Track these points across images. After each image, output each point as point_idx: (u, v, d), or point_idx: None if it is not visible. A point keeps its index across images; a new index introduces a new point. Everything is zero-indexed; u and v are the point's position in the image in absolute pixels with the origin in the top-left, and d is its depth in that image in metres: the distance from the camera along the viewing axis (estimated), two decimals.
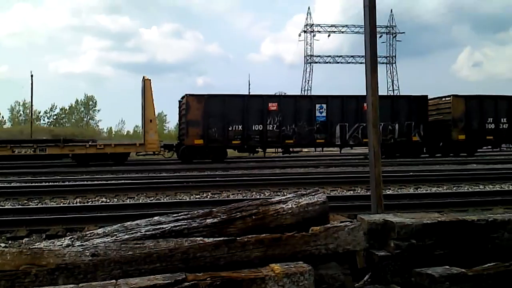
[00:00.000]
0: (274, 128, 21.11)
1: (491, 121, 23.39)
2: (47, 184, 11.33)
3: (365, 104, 4.82)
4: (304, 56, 60.87)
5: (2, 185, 11.11)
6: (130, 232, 3.02)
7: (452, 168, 15.59)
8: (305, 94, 51.34)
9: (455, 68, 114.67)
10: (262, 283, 2.21)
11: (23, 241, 5.62)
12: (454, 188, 10.01)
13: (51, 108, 60.84)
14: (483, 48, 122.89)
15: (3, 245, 5.48)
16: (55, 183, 11.43)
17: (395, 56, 61.78)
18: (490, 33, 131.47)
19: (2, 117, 59.46)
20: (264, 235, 2.70)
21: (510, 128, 23.65)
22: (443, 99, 23.90)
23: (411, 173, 12.86)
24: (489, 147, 26.80)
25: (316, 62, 61.01)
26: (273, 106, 21.21)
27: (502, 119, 23.56)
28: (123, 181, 11.57)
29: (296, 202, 3.24)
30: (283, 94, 28.10)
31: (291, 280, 2.25)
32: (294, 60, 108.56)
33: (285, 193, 7.67)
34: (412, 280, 2.53)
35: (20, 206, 7.92)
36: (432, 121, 23.46)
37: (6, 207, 7.87)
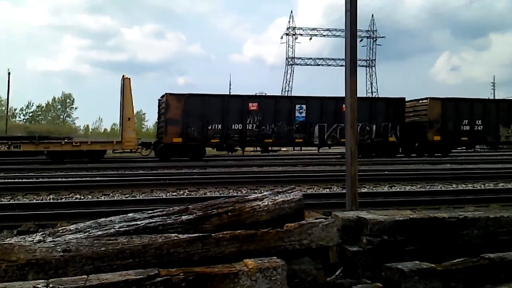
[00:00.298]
0: (254, 127, 21.15)
1: (466, 123, 23.90)
2: (20, 180, 11.12)
3: (343, 106, 4.90)
4: (286, 58, 61.23)
5: None
6: (103, 229, 2.99)
7: (427, 167, 15.87)
8: (286, 95, 51.53)
9: (433, 72, 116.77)
10: (235, 278, 2.22)
11: None
12: (428, 187, 10.20)
13: (27, 105, 59.66)
14: (461, 53, 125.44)
15: None
16: (28, 180, 11.23)
17: (375, 60, 62.70)
18: (469, 39, 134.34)
19: None
20: (239, 231, 2.71)
21: (485, 130, 24.22)
22: (420, 101, 24.33)
23: (386, 172, 13.04)
24: (464, 148, 27.41)
25: (297, 64, 61.45)
26: (253, 106, 21.24)
27: (477, 121, 24.10)
28: (98, 178, 11.43)
29: (272, 199, 3.25)
30: (263, 94, 28.14)
31: (264, 275, 2.26)
32: (275, 61, 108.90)
33: (263, 191, 7.69)
34: (383, 274, 2.58)
35: None
36: (409, 122, 23.86)
37: None
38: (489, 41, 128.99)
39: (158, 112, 22.21)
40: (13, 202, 7.81)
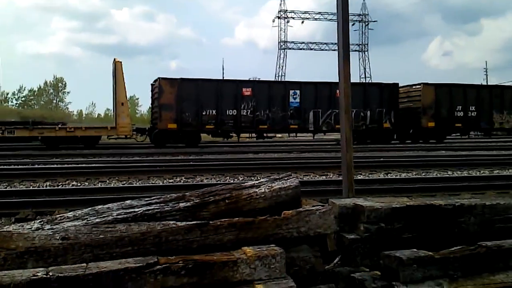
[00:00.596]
0: (248, 113, 21.11)
1: (460, 109, 23.98)
2: (16, 167, 11.07)
3: (337, 91, 4.88)
4: (278, 42, 60.92)
5: None
6: (101, 216, 2.99)
7: (422, 154, 15.95)
8: (279, 80, 51.38)
9: (425, 57, 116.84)
10: (234, 266, 2.23)
11: None
12: (423, 174, 10.26)
13: (19, 90, 59.17)
14: (453, 38, 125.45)
15: None
16: (24, 166, 11.19)
17: (367, 44, 62.49)
18: (461, 23, 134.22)
19: None
20: (237, 218, 2.72)
21: (478, 116, 24.32)
22: (414, 87, 24.35)
23: (381, 159, 13.10)
24: (458, 134, 27.54)
25: (290, 48, 61.15)
26: (247, 91, 21.18)
27: (470, 107, 24.19)
28: (94, 165, 11.41)
29: (269, 186, 3.25)
30: (257, 79, 28.03)
31: (263, 262, 2.28)
32: (268, 45, 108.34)
33: (259, 178, 7.71)
34: (381, 262, 2.60)
35: None
36: (403, 108, 23.90)
37: None
38: (481, 26, 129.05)
39: (152, 97, 22.10)
40: (10, 189, 7.79)
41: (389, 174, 10.19)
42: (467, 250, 2.56)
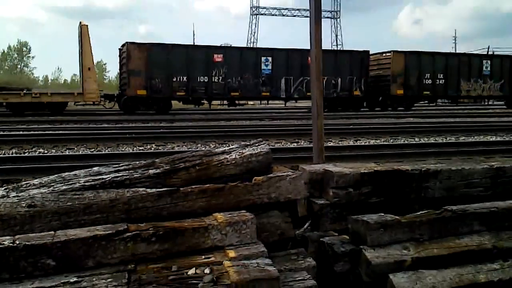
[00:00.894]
0: (220, 80, 20.89)
1: (428, 77, 24.36)
2: None
3: (309, 58, 4.84)
4: (250, 7, 59.98)
5: None
6: (68, 183, 2.93)
7: (390, 121, 16.23)
8: (251, 46, 50.82)
9: (396, 25, 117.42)
10: (205, 232, 2.23)
11: None
12: (391, 141, 10.46)
13: None
14: (423, 6, 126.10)
15: None
16: None
17: (340, 11, 62.27)
18: None
19: None
20: (207, 185, 2.71)
21: (446, 84, 24.78)
22: (384, 54, 24.52)
23: (351, 126, 13.26)
24: (426, 102, 28.09)
25: (262, 14, 60.35)
26: (218, 58, 20.88)
27: (439, 75, 24.59)
28: (61, 132, 11.14)
29: (239, 152, 3.24)
30: (228, 45, 27.60)
31: (233, 228, 2.29)
32: (240, 11, 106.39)
33: (230, 145, 7.70)
34: (349, 227, 2.66)
35: None
36: (373, 76, 24.10)
37: None
38: None
39: (120, 63, 21.53)
40: None
41: (358, 141, 10.34)
42: (433, 214, 2.63)
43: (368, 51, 23.77)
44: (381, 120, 16.80)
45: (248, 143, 3.41)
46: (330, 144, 9.26)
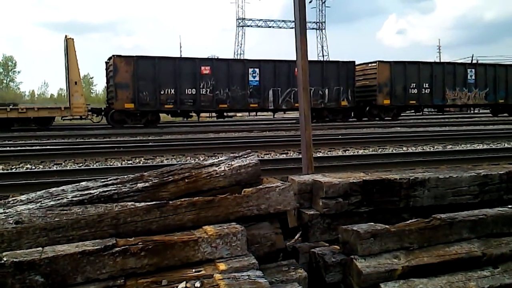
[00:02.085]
0: (208, 92, 20.90)
1: (414, 86, 24.61)
2: None
3: (296, 69, 4.88)
4: (236, 19, 60.26)
5: None
6: (56, 198, 2.89)
7: (378, 131, 16.35)
8: (238, 58, 51.06)
9: (381, 35, 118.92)
10: (195, 245, 2.21)
11: None
12: (379, 150, 10.53)
13: None
14: (407, 16, 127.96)
15: None
16: None
17: (325, 22, 63.00)
18: (414, 1, 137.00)
19: None
20: (197, 198, 2.69)
21: (431, 93, 25.06)
22: (370, 64, 24.77)
23: (339, 136, 13.33)
24: (412, 111, 28.36)
25: (248, 26, 60.74)
26: (206, 70, 20.91)
27: (424, 84, 24.87)
28: (48, 147, 11.03)
29: (228, 164, 3.24)
30: (215, 57, 27.70)
31: (224, 241, 2.27)
32: (226, 24, 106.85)
33: (220, 157, 7.69)
34: (339, 237, 2.66)
35: None
36: (359, 86, 24.31)
37: None
38: (434, 4, 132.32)
39: (107, 76, 21.43)
40: None
41: (347, 151, 10.39)
42: (422, 223, 2.64)
43: (354, 62, 24.00)
44: (369, 130, 16.92)
45: (237, 155, 3.41)
46: (319, 155, 9.30)
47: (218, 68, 21.20)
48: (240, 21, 60.00)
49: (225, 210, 2.64)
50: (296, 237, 2.95)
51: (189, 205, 2.58)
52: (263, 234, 2.65)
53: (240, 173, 3.17)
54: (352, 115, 24.51)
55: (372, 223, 2.61)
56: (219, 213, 2.62)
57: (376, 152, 10.03)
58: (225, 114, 22.73)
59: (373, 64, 24.38)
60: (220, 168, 3.19)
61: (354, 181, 3.02)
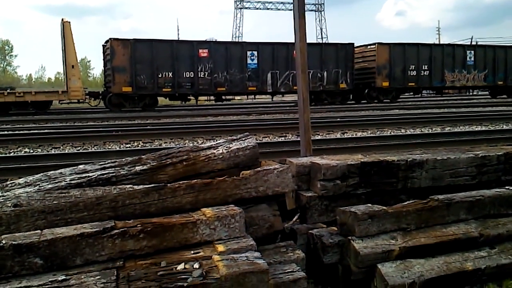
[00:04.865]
0: (206, 75, 20.76)
1: (413, 68, 24.47)
2: None
3: (294, 52, 4.82)
4: (234, 1, 59.56)
5: None
6: (54, 182, 2.90)
7: (376, 113, 16.31)
8: (236, 41, 50.65)
9: (380, 17, 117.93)
10: (194, 227, 2.22)
11: None
12: (378, 132, 10.52)
13: None
14: None
15: None
16: None
17: (323, 4, 62.31)
18: None
19: None
20: (195, 180, 2.70)
21: (430, 75, 24.94)
22: (368, 47, 24.57)
23: (338, 119, 13.31)
24: (411, 93, 28.27)
25: (246, 8, 60.09)
26: (204, 53, 20.74)
27: (423, 66, 24.73)
28: (46, 131, 10.99)
29: (226, 147, 3.24)
30: (213, 40, 27.47)
31: (222, 223, 2.28)
32: (224, 6, 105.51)
33: (216, 140, 7.68)
34: (337, 218, 2.67)
35: None
36: (358, 68, 24.17)
37: None
38: None
39: (104, 59, 21.24)
40: None
41: (345, 134, 10.38)
42: (420, 204, 2.65)
43: (353, 44, 23.81)
44: (367, 113, 16.88)
45: (235, 138, 3.40)
46: (317, 137, 9.29)
47: (216, 51, 21.02)
48: (238, 3, 59.39)
49: (223, 192, 2.64)
50: (294, 219, 2.96)
51: (188, 187, 2.58)
52: (261, 216, 2.67)
53: (238, 156, 3.17)
54: (351, 97, 24.43)
55: (369, 205, 2.63)
56: (217, 196, 2.63)
57: (374, 135, 10.02)
58: (223, 97, 22.64)
59: (372, 46, 24.20)
60: (218, 150, 3.19)
61: (352, 163, 3.02)
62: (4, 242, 1.98)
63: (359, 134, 10.20)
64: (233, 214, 2.33)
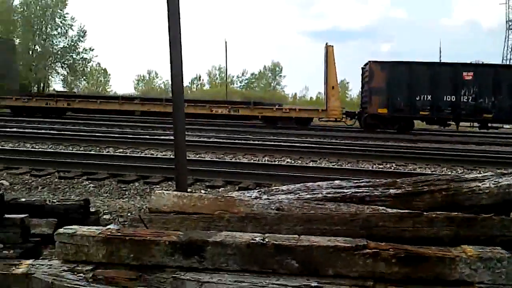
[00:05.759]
0: (469, 100, 19.15)
1: None
2: (239, 141, 12.36)
3: None
4: (506, 21, 52.99)
5: (202, 139, 12.50)
6: (311, 192, 3.11)
7: None
8: (507, 64, 45.00)
9: None
10: (452, 264, 2.03)
11: (219, 190, 6.35)
12: None
13: (242, 73, 65.67)
14: None
15: (203, 191, 6.24)
16: (246, 142, 12.38)
17: None
18: None
19: (202, 79, 66.36)
20: (455, 213, 2.50)
21: None
22: None
23: None
24: None
25: None
26: (468, 76, 19.16)
27: None
28: (306, 144, 11.94)
29: (495, 181, 2.92)
30: (480, 62, 25.05)
31: (485, 265, 2.02)
32: (493, 26, 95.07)
33: (481, 172, 6.97)
34: None
35: (216, 159, 8.85)
36: None
37: (206, 159, 8.88)
38: None
39: (362, 81, 21.84)
40: (235, 160, 8.85)
41: None
42: None
43: None
44: None
45: (505, 172, 3.05)
46: None
47: (482, 74, 19.13)
48: (510, 23, 52.69)
49: (488, 231, 2.36)
50: None
51: (447, 219, 2.40)
52: None
53: (509, 193, 2.82)
54: None
55: None
56: (480, 234, 2.37)
57: None
58: (489, 124, 20.40)
59: None
60: (484, 184, 2.91)
61: None
62: (267, 240, 2.19)
63: None
64: (499, 258, 2.04)
